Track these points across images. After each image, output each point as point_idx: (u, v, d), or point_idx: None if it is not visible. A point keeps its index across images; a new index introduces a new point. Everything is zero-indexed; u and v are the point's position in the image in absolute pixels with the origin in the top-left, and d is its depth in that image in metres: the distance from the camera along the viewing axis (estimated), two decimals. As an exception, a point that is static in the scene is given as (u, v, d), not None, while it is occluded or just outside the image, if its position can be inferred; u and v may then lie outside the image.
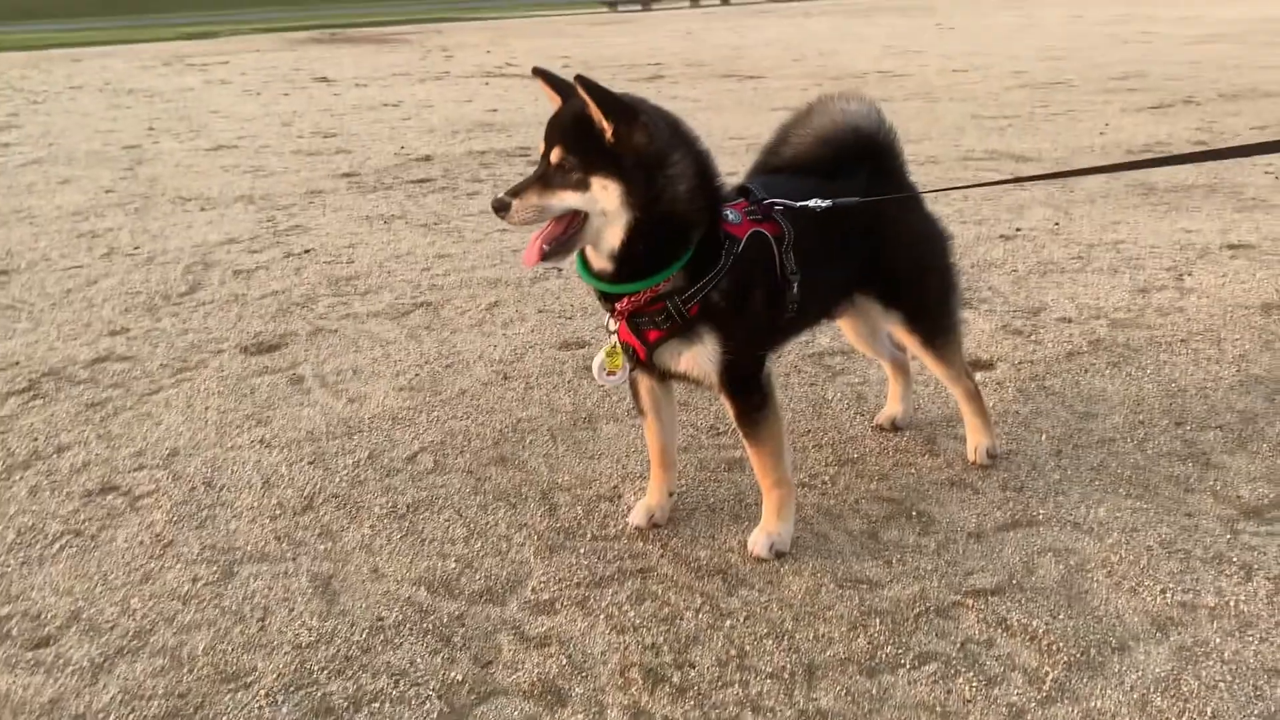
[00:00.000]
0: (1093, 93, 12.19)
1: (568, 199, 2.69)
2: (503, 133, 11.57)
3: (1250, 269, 5.42)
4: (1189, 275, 5.39)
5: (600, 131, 2.66)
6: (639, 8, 51.69)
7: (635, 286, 2.79)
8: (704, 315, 2.82)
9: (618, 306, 2.86)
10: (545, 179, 2.70)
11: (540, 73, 2.92)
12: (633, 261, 2.77)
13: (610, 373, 2.96)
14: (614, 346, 2.93)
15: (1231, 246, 5.85)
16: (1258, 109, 10.35)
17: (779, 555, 3.04)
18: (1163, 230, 6.26)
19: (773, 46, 22.10)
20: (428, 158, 10.17)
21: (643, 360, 2.94)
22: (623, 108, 2.67)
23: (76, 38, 41.25)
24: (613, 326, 2.93)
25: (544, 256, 2.74)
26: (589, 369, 4.57)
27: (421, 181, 9.03)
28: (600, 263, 2.82)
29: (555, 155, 2.69)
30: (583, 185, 2.68)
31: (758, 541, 3.06)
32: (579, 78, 2.66)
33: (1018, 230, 6.43)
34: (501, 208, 2.70)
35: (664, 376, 3.06)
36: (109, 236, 7.45)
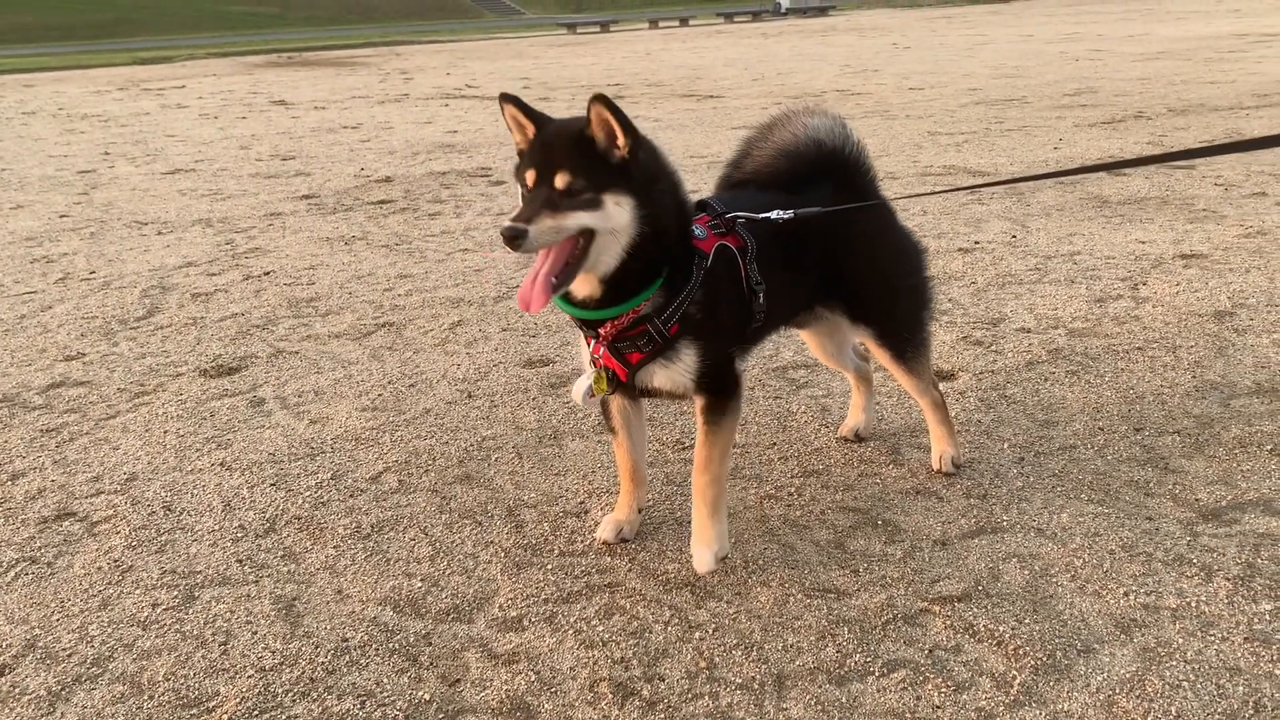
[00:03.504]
0: (1046, 109, 12.40)
1: (581, 219, 2.60)
2: (463, 154, 11.56)
3: (1203, 278, 5.52)
4: (1144, 285, 5.48)
5: (605, 150, 2.64)
6: (598, 29, 52.01)
7: (619, 310, 2.77)
8: (682, 332, 2.82)
9: (602, 332, 2.82)
10: (552, 203, 2.58)
11: (511, 99, 2.79)
12: (623, 282, 2.73)
13: (593, 395, 2.93)
14: (600, 372, 2.90)
15: (1184, 256, 5.95)
16: (1206, 122, 10.57)
17: (723, 560, 3.00)
18: (1117, 241, 6.36)
19: (731, 67, 22.30)
20: (388, 179, 10.14)
21: (623, 381, 2.92)
22: (633, 125, 2.65)
23: (29, 63, 40.79)
24: (596, 353, 2.89)
25: (555, 290, 2.64)
26: (554, 387, 4.57)
27: (382, 203, 9.00)
28: (587, 289, 2.76)
29: (561, 178, 2.59)
30: (594, 204, 2.61)
31: (702, 557, 2.98)
32: (601, 97, 2.60)
33: (976, 243, 6.51)
34: (517, 236, 2.51)
35: (638, 394, 3.04)
36: (64, 261, 7.34)
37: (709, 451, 2.99)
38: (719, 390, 2.95)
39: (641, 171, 2.69)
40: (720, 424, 2.98)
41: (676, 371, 2.86)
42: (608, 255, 2.69)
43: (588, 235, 2.64)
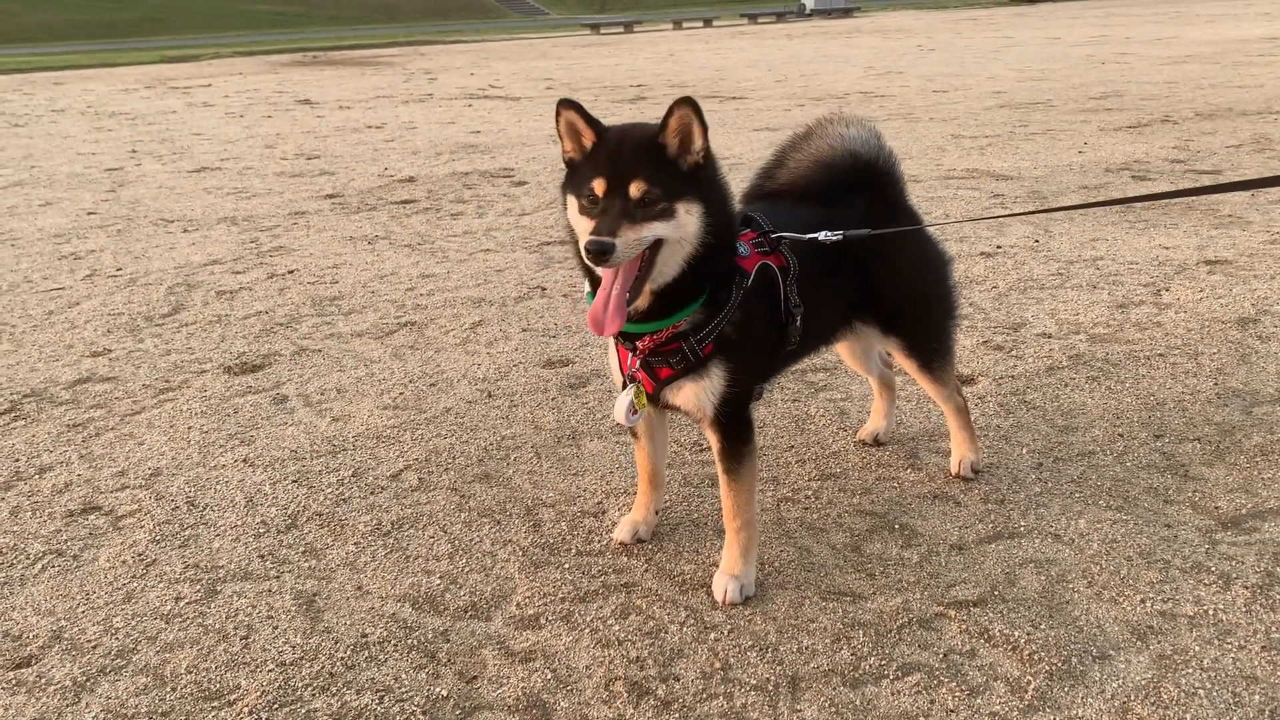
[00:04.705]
0: (1071, 112, 12.33)
1: (656, 229, 2.54)
2: (486, 154, 11.61)
3: (1226, 284, 5.49)
4: (1167, 291, 5.45)
5: (676, 156, 2.61)
6: (622, 30, 52.10)
7: (660, 325, 2.74)
8: (715, 352, 2.79)
9: (639, 345, 2.80)
10: (629, 214, 2.51)
11: (572, 105, 2.66)
12: (673, 295, 2.70)
13: (635, 412, 2.91)
14: (639, 388, 2.89)
15: (1208, 262, 5.92)
16: (1233, 127, 10.49)
17: (746, 600, 2.96)
18: (1141, 247, 6.33)
19: (755, 68, 22.27)
20: (411, 179, 10.20)
21: (648, 393, 2.92)
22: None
23: (58, 61, 41.23)
24: (633, 366, 2.86)
25: (630, 304, 2.60)
26: (573, 387, 4.59)
27: (405, 202, 9.05)
28: (637, 299, 2.69)
29: (636, 187, 2.52)
30: (668, 214, 2.55)
31: (728, 588, 2.95)
32: (690, 99, 2.57)
33: (999, 248, 6.49)
34: (605, 251, 2.44)
35: (661, 406, 3.01)
36: (91, 258, 7.43)
37: (736, 501, 2.96)
38: (734, 428, 2.90)
39: (707, 178, 2.66)
40: (740, 472, 2.94)
41: (702, 391, 2.82)
42: (670, 266, 2.64)
43: (655, 245, 2.59)
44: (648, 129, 2.64)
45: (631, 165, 2.56)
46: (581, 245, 2.52)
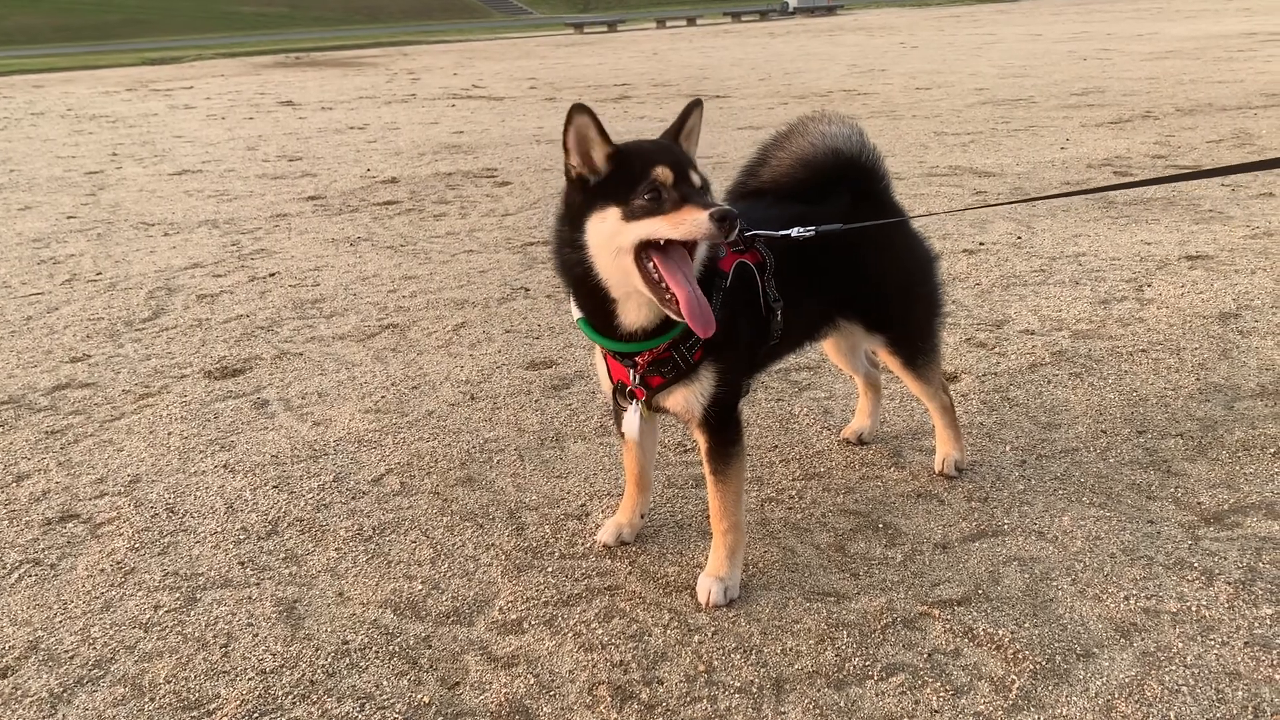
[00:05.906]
0: (1053, 109, 12.36)
1: None
2: (469, 154, 11.57)
3: (1208, 279, 5.50)
4: (1149, 286, 5.46)
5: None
6: (605, 29, 52.07)
7: (660, 340, 2.72)
8: (704, 356, 2.80)
9: (639, 360, 2.80)
10: (703, 198, 2.54)
11: (586, 111, 2.59)
12: None
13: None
14: (644, 403, 2.89)
15: (1190, 257, 5.93)
16: (1213, 123, 10.53)
17: (731, 602, 2.94)
18: (1123, 242, 6.35)
19: (739, 66, 22.28)
20: (394, 180, 10.16)
21: (640, 399, 2.91)
22: None
23: (38, 63, 40.95)
24: (629, 382, 2.86)
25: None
26: (556, 389, 4.57)
27: (388, 204, 9.01)
28: (646, 316, 2.71)
29: (696, 175, 2.57)
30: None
31: (712, 590, 2.93)
32: (700, 101, 2.75)
33: (981, 244, 6.49)
34: (736, 215, 2.45)
35: (651, 409, 3.01)
36: (71, 263, 7.37)
37: (723, 502, 2.94)
38: (722, 428, 2.88)
39: None
40: (728, 473, 2.92)
41: (692, 394, 2.82)
42: (696, 265, 2.66)
43: (694, 244, 2.58)
44: (666, 137, 2.74)
45: (685, 158, 2.62)
46: (684, 232, 2.46)
